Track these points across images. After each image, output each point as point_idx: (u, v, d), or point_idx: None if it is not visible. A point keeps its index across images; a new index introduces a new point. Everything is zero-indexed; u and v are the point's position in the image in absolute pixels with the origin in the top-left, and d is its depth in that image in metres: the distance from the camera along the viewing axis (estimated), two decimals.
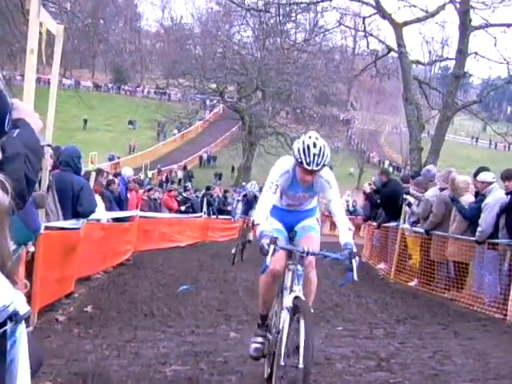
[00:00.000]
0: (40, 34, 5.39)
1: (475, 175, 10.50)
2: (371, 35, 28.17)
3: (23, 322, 1.50)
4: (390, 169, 52.60)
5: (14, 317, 1.35)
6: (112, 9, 69.18)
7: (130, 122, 66.38)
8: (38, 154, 2.20)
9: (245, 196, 16.34)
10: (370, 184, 15.35)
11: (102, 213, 11.33)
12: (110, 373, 5.49)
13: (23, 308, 1.37)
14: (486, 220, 9.44)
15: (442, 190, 11.23)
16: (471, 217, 9.98)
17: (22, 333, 1.50)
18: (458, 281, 10.41)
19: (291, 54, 50.50)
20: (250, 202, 15.73)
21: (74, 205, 8.28)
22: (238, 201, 16.71)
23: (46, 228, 6.95)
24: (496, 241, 9.39)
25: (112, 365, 5.78)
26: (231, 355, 6.30)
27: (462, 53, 21.87)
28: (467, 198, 10.38)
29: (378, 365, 6.17)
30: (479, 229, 9.51)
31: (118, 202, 13.13)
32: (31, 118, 2.36)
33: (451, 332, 8.04)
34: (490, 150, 75.94)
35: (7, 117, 1.52)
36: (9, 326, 1.34)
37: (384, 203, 13.69)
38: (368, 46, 29.36)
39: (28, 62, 5.06)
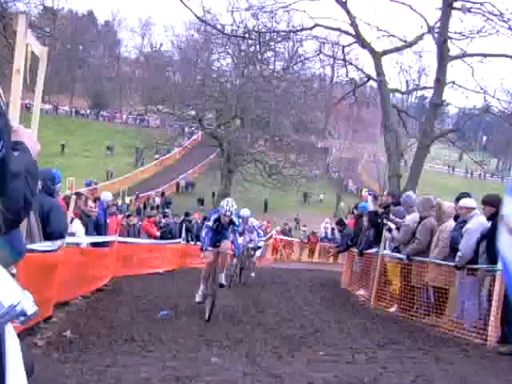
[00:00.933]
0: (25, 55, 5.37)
1: (457, 200, 10.60)
2: (350, 64, 28.53)
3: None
4: (369, 198, 52.86)
5: (22, 316, 1.34)
6: (92, 34, 69.50)
7: (108, 148, 66.23)
8: (36, 178, 2.20)
9: (217, 221, 11.57)
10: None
11: (81, 237, 11.24)
12: None
13: (31, 308, 1.36)
14: (466, 245, 9.51)
15: (422, 218, 11.30)
16: (454, 243, 10.11)
17: (9, 330, 1.48)
18: (438, 306, 10.44)
19: (270, 82, 50.94)
20: (222, 228, 11.57)
21: (43, 225, 8.20)
22: (207, 227, 11.64)
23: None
24: (475, 266, 9.45)
25: None
26: (213, 380, 6.24)
27: (440, 82, 22.21)
28: (450, 224, 10.48)
29: None
30: (459, 253, 9.58)
31: (96, 227, 13.03)
32: (30, 141, 2.36)
33: (432, 357, 8.04)
34: (466, 179, 76.82)
35: (3, 136, 1.52)
36: (17, 324, 1.33)
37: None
38: (347, 75, 29.68)
39: (14, 83, 5.03)
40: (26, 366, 1.52)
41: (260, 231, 14.00)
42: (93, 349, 7.63)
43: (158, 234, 20.32)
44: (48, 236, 8.34)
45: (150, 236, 19.41)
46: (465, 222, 9.83)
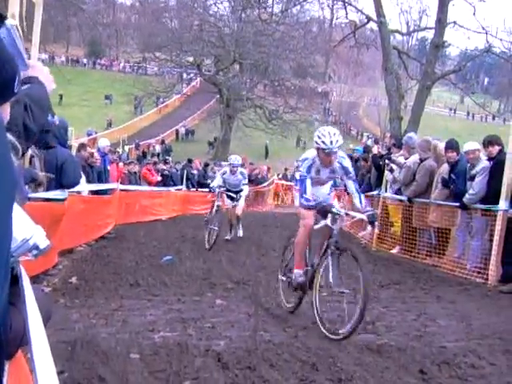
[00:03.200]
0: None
1: (447, 147, 10.56)
2: (350, 5, 28.14)
3: None
4: (369, 141, 52.74)
5: (34, 250, 1.36)
6: None
7: (107, 97, 65.72)
8: (44, 108, 2.20)
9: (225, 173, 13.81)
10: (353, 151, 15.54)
11: (83, 185, 11.26)
12: (98, 340, 5.51)
13: (43, 242, 1.38)
14: (479, 183, 9.49)
15: (422, 160, 11.28)
16: (444, 185, 10.23)
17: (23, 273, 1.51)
18: (440, 247, 10.52)
19: (268, 25, 50.27)
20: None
21: (57, 177, 8.20)
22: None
23: (30, 199, 6.89)
24: (479, 206, 9.48)
25: (100, 332, 5.80)
26: (218, 321, 6.35)
27: (441, 22, 21.93)
28: (446, 166, 10.49)
29: (364, 328, 6.24)
30: (471, 191, 9.56)
31: (97, 175, 13.04)
32: (45, 77, 2.35)
33: (434, 296, 8.16)
34: (467, 121, 76.43)
35: (16, 79, 1.51)
36: (29, 258, 1.36)
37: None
38: (347, 16, 29.28)
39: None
40: (45, 313, 1.55)
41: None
42: (98, 294, 7.74)
43: (158, 179, 20.26)
44: (61, 186, 8.37)
45: (149, 183, 19.43)
46: (472, 165, 9.80)
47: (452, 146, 10.37)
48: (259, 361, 5.03)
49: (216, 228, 12.51)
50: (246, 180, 14.34)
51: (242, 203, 13.91)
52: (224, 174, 13.90)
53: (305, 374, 4.76)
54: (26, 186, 6.15)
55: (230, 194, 13.55)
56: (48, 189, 8.03)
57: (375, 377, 4.72)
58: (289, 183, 37.75)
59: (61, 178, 8.30)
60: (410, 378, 4.72)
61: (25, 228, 1.40)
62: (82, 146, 12.92)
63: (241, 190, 13.76)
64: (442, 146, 10.90)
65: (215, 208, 13.09)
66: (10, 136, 1.45)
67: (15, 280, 1.48)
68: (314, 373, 4.79)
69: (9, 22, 2.19)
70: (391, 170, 12.27)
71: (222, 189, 13.57)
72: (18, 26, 2.15)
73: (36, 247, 1.38)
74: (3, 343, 1.02)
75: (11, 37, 2.01)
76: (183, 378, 4.61)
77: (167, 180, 21.32)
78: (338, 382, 4.60)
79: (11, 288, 1.49)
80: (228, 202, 13.80)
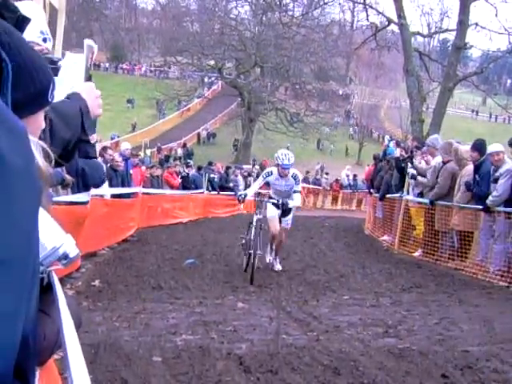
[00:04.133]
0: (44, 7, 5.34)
1: (473, 148, 10.49)
2: (371, 7, 28.04)
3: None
4: (391, 144, 52.43)
5: (64, 259, 1.38)
6: None
7: (129, 101, 66.07)
8: (70, 125, 2.22)
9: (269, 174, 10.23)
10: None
11: (105, 188, 11.35)
12: (121, 343, 5.56)
13: (73, 251, 1.40)
14: (503, 186, 9.44)
15: (444, 162, 11.22)
16: (467, 188, 10.18)
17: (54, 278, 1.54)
18: (462, 250, 10.46)
19: (289, 29, 50.23)
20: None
21: (78, 179, 8.28)
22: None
23: (54, 202, 6.97)
24: (511, 209, 9.40)
25: (123, 335, 5.85)
26: (240, 324, 6.37)
27: (463, 24, 21.78)
28: (471, 168, 10.42)
29: (386, 331, 6.24)
30: (495, 193, 9.50)
31: (121, 178, 13.14)
32: (93, 100, 2.37)
33: (456, 300, 8.11)
34: (490, 123, 75.69)
35: (50, 87, 1.54)
36: (59, 267, 1.37)
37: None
38: (368, 19, 29.19)
39: None
40: (76, 318, 1.57)
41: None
42: (121, 297, 7.79)
43: (178, 183, 20.30)
44: (87, 187, 8.48)
45: (171, 187, 19.50)
46: (496, 167, 9.74)
47: (475, 146, 10.29)
48: (281, 364, 5.04)
49: (260, 252, 9.99)
50: (300, 186, 10.69)
51: (289, 219, 10.54)
52: (268, 175, 10.18)
53: (326, 377, 4.76)
54: (53, 188, 6.22)
55: (273, 201, 10.16)
56: (73, 190, 8.13)
57: (397, 381, 4.70)
58: (311, 186, 37.73)
59: (85, 180, 8.39)
60: (433, 382, 4.70)
61: (55, 236, 1.42)
62: (103, 149, 13.02)
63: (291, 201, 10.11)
64: (463, 148, 10.84)
65: (255, 224, 9.89)
66: (42, 143, 1.47)
67: (46, 288, 1.50)
68: (335, 377, 4.79)
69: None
70: (413, 178, 12.21)
71: (263, 197, 11.41)
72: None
73: (66, 256, 1.40)
74: (33, 352, 1.04)
75: None
76: (205, 381, 4.64)
77: (189, 183, 21.37)
78: None
79: (43, 296, 1.51)
80: (273, 213, 10.25)
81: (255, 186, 10.78)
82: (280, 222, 10.28)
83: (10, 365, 0.77)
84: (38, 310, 1.51)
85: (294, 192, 10.21)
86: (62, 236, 1.39)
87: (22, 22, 1.22)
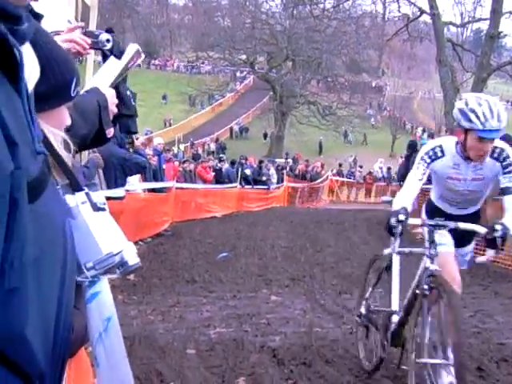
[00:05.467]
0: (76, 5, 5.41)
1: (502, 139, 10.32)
2: None
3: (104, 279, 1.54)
4: (425, 135, 51.90)
5: (121, 266, 1.39)
6: None
7: (164, 97, 66.36)
8: (88, 120, 2.25)
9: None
10: None
11: (136, 184, 11.46)
12: (155, 336, 5.63)
13: (133, 259, 1.40)
14: None
15: None
16: None
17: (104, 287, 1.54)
18: None
19: (321, 21, 49.98)
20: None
21: (116, 175, 8.41)
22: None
23: None
24: None
25: (157, 328, 5.92)
26: (274, 317, 6.39)
27: (497, 12, 21.42)
28: None
29: None
30: None
31: (153, 173, 13.25)
32: (111, 99, 2.41)
33: (492, 292, 8.04)
34: None
35: (73, 82, 1.56)
36: (117, 275, 1.38)
37: None
38: (399, 10, 28.92)
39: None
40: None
41: None
42: (156, 290, 7.88)
43: (211, 177, 20.36)
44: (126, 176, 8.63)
45: (204, 181, 19.58)
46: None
47: (505, 138, 10.13)
48: (314, 357, 5.05)
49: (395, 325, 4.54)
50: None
51: (470, 252, 5.76)
52: (435, 158, 4.47)
53: (360, 370, 4.75)
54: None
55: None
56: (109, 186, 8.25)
57: None
58: (344, 179, 37.58)
59: (125, 168, 8.56)
60: (468, 375, 4.67)
61: (114, 242, 1.43)
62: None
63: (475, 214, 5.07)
64: None
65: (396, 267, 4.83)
66: (63, 134, 1.49)
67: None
68: None
69: None
70: None
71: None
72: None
73: (123, 263, 1.41)
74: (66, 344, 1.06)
75: None
76: (238, 373, 4.67)
77: (222, 177, 21.44)
78: (394, 379, 4.58)
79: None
80: (447, 243, 4.70)
81: (411, 188, 4.62)
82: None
83: None
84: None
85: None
86: (122, 243, 1.39)
87: (35, 18, 1.25)
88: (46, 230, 1.01)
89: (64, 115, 1.56)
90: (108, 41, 2.91)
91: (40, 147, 1.01)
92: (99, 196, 1.56)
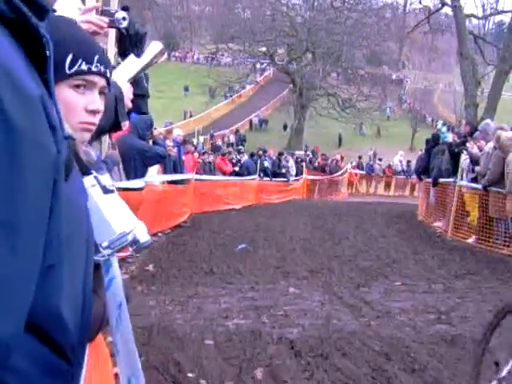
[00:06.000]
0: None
1: None
2: None
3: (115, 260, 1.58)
4: (444, 128, 51.49)
5: (133, 244, 1.42)
6: None
7: (186, 89, 66.38)
8: (104, 111, 2.27)
9: None
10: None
11: (155, 175, 11.53)
12: (174, 326, 5.67)
13: (144, 237, 1.44)
14: None
15: (496, 148, 10.99)
16: None
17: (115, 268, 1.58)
18: None
19: (341, 13, 49.75)
20: None
21: (136, 166, 8.48)
22: None
23: None
24: None
25: (176, 319, 5.96)
26: (291, 309, 6.41)
27: None
28: None
29: (438, 318, 6.21)
30: None
31: (173, 165, 13.30)
32: (126, 94, 2.42)
33: (511, 287, 7.98)
34: None
35: (67, 59, 1.58)
36: (130, 252, 1.42)
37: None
38: (420, 2, 28.71)
39: None
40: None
41: None
42: (174, 281, 7.92)
43: (230, 169, 20.41)
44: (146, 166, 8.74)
45: (223, 173, 19.63)
46: None
47: None
48: (332, 349, 5.07)
49: None
50: None
51: None
52: None
53: (377, 363, 4.77)
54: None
55: None
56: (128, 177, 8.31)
57: (449, 368, 4.68)
58: (363, 172, 37.48)
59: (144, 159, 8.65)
60: (485, 369, 4.66)
61: (125, 221, 1.47)
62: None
63: None
64: (504, 135, 10.52)
65: None
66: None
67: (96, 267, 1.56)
68: (386, 362, 4.79)
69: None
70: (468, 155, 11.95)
71: None
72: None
73: (135, 242, 1.44)
74: (75, 328, 1.10)
75: None
76: (256, 364, 4.70)
77: (241, 169, 21.46)
78: (411, 372, 4.59)
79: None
80: None
81: None
82: None
83: (16, 326, 0.82)
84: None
85: None
86: (133, 222, 1.43)
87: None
88: (74, 210, 1.06)
89: (66, 94, 1.58)
90: (124, 19, 2.94)
91: (66, 131, 1.05)
92: (107, 179, 1.60)
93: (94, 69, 1.62)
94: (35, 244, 0.86)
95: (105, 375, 1.91)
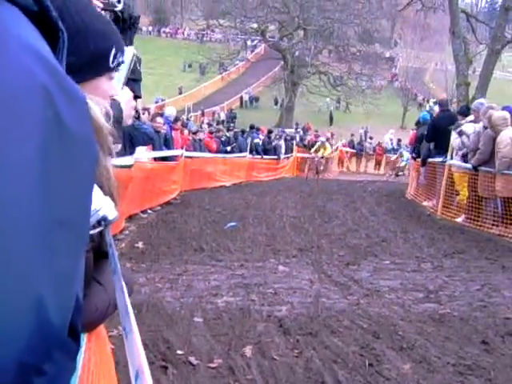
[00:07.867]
0: None
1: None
2: None
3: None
4: (436, 107, 51.49)
5: (103, 221, 1.42)
6: None
7: (190, 65, 65.81)
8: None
9: None
10: None
11: (143, 152, 11.48)
12: (163, 303, 5.68)
13: (112, 213, 1.43)
14: None
15: (486, 127, 10.98)
16: None
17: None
18: (506, 216, 10.31)
19: None
20: None
21: (125, 144, 8.41)
22: None
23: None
24: None
25: (165, 296, 5.97)
26: (281, 287, 6.43)
27: None
28: (508, 133, 10.19)
29: (427, 296, 6.24)
30: None
31: (165, 141, 13.24)
32: (126, 103, 2.38)
33: (499, 266, 8.02)
34: None
35: (111, 52, 1.55)
36: (99, 229, 1.41)
37: (433, 136, 13.36)
38: None
39: None
40: (129, 287, 1.62)
41: None
42: (164, 259, 7.92)
43: (217, 145, 20.28)
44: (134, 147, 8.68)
45: (210, 151, 19.57)
46: None
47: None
48: (320, 327, 5.09)
49: None
50: None
51: None
52: None
53: (366, 341, 4.79)
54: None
55: None
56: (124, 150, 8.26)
57: (436, 346, 4.71)
58: (353, 150, 37.49)
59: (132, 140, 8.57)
60: (472, 348, 4.69)
61: (95, 199, 1.46)
62: (144, 110, 13.14)
63: None
64: (495, 114, 10.52)
65: None
66: (103, 102, 1.50)
67: (99, 257, 1.54)
68: (374, 340, 4.82)
69: None
70: (460, 133, 11.93)
71: None
72: None
73: (104, 218, 1.44)
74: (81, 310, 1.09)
75: None
76: (245, 342, 4.71)
77: (232, 150, 21.37)
78: (399, 351, 4.61)
79: (96, 264, 1.56)
80: None
81: None
82: None
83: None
84: (91, 279, 1.56)
85: None
86: (101, 198, 1.43)
87: None
88: None
89: (105, 87, 1.57)
90: (119, 1, 2.90)
91: None
92: None
93: (122, 60, 1.62)
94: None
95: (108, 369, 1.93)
